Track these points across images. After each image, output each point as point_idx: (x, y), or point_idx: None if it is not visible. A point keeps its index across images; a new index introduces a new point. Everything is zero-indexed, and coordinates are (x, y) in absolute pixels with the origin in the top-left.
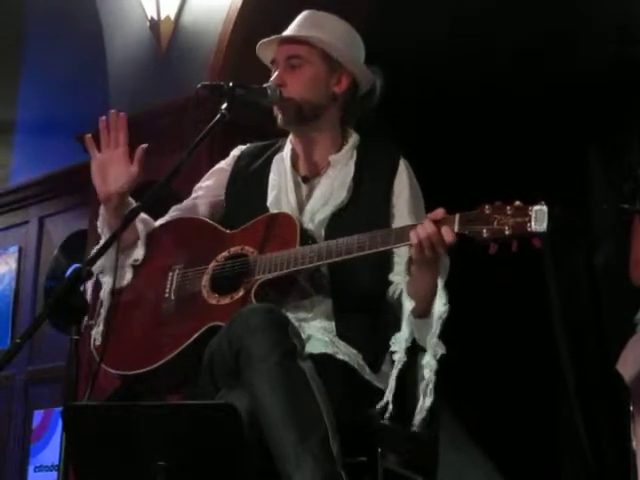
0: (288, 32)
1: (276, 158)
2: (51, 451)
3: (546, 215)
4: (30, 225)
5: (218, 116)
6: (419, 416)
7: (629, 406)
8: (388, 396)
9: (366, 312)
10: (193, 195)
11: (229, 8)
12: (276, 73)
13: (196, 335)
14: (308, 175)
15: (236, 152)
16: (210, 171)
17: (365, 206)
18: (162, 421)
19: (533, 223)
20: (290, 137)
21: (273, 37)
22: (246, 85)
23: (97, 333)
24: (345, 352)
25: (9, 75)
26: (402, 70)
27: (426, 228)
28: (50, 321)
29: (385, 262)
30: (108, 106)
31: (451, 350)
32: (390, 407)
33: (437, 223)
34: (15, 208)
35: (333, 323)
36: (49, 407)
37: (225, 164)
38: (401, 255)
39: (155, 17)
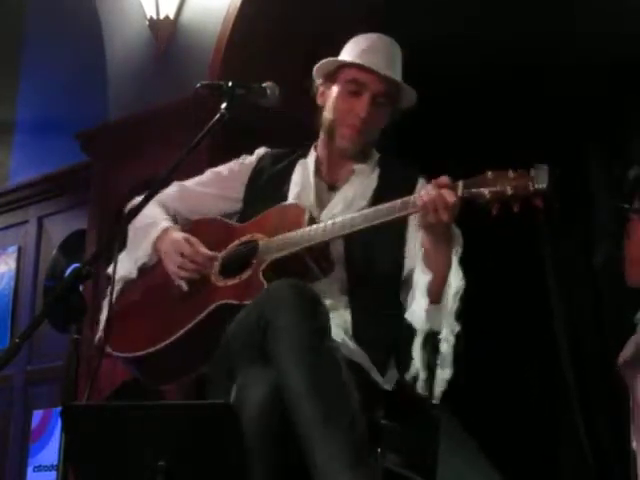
0: (378, 62)
1: (300, 162)
2: (50, 451)
3: (547, 172)
4: (29, 225)
5: (218, 115)
6: (439, 388)
7: (629, 406)
8: (417, 366)
9: (381, 305)
10: (206, 189)
11: (228, 7)
12: (364, 105)
13: (204, 313)
14: (332, 182)
15: (261, 151)
16: (230, 165)
17: None
18: (161, 421)
19: (535, 182)
20: (316, 145)
21: (367, 65)
22: (246, 85)
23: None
24: (357, 353)
25: (9, 75)
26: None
27: (429, 191)
28: (49, 321)
29: (399, 247)
30: (107, 106)
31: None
32: (422, 376)
33: (441, 188)
34: (14, 208)
35: (349, 315)
36: (48, 407)
37: (249, 160)
38: (412, 240)
39: (154, 17)
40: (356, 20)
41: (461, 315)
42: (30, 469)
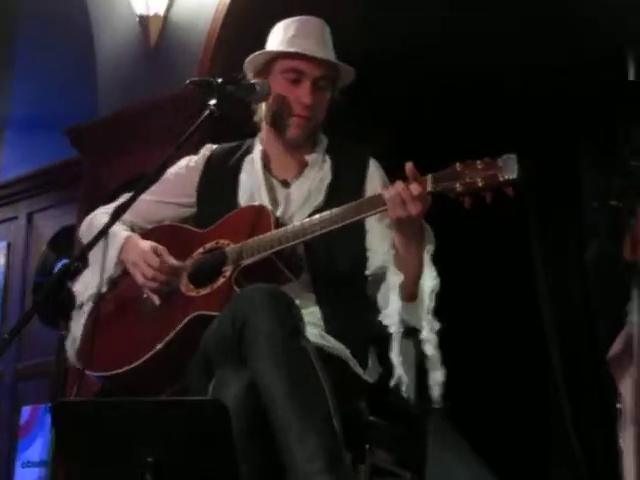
0: (311, 47)
1: (247, 159)
2: (39, 447)
3: (515, 162)
4: (19, 220)
5: (207, 112)
6: (436, 392)
7: (617, 404)
8: (399, 371)
9: (348, 298)
10: (156, 197)
11: (218, 4)
12: (306, 92)
13: (180, 326)
14: (284, 178)
15: (206, 151)
16: (175, 169)
17: None
18: (150, 417)
19: (504, 172)
20: (260, 138)
21: (303, 52)
22: (235, 81)
23: (74, 339)
24: (335, 346)
25: (0, 72)
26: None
27: (396, 186)
28: (39, 317)
29: (359, 242)
30: (97, 102)
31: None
32: (405, 380)
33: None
34: (4, 203)
35: (319, 311)
36: (37, 403)
37: (195, 162)
38: (374, 232)
39: (144, 13)
40: (343, 19)
41: (444, 312)
42: (18, 465)
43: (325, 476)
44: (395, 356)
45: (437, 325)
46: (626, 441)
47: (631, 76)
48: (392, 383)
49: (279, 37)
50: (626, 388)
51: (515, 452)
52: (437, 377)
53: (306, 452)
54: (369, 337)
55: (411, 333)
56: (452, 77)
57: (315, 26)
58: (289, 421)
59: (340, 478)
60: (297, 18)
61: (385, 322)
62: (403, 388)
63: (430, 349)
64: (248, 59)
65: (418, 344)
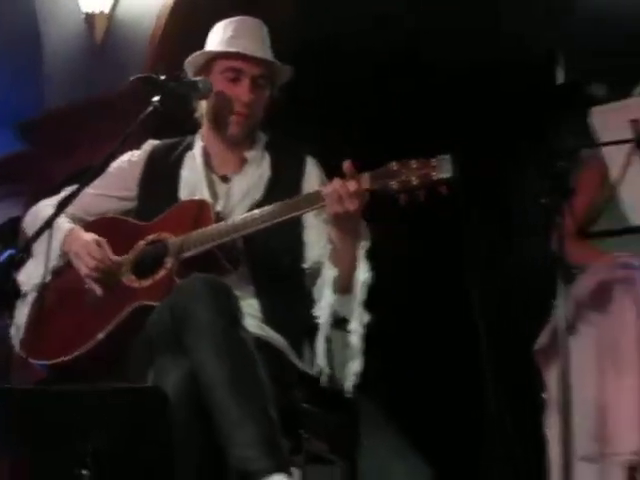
0: (249, 46)
1: (188, 155)
2: None
3: (449, 162)
4: None
5: (150, 108)
6: (349, 382)
7: (543, 394)
8: (321, 361)
9: (286, 290)
10: (98, 191)
11: (163, 2)
12: (245, 91)
13: (122, 316)
14: (224, 173)
15: (148, 147)
16: (117, 164)
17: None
18: (91, 405)
19: (437, 171)
20: (201, 135)
21: (242, 52)
22: (178, 78)
23: (18, 327)
24: (272, 336)
25: None
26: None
27: (334, 183)
28: None
29: (297, 237)
30: (45, 97)
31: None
32: (326, 370)
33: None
34: None
35: (257, 302)
36: None
37: (137, 157)
38: (311, 227)
39: (90, 11)
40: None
41: (380, 306)
42: None
43: (262, 462)
44: (320, 346)
45: (366, 317)
46: (551, 429)
47: (560, 80)
48: (314, 372)
49: (218, 37)
50: (551, 378)
51: (448, 442)
52: (355, 367)
53: (244, 439)
54: (306, 328)
55: (344, 324)
56: (393, 75)
57: (253, 26)
58: (228, 409)
59: (277, 464)
60: (235, 18)
61: (316, 314)
62: (323, 378)
63: (355, 339)
64: (188, 59)
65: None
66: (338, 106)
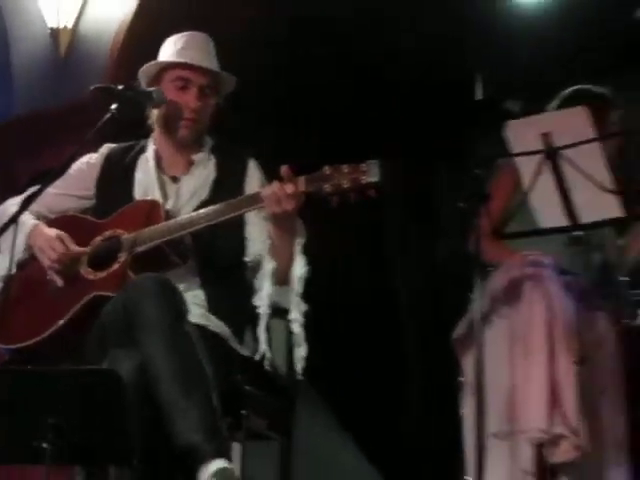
0: (197, 57)
1: (141, 158)
2: None
3: (377, 167)
4: None
5: (108, 115)
6: (299, 365)
7: (460, 378)
8: (263, 347)
9: (229, 281)
10: (60, 190)
11: (122, 19)
12: (193, 98)
13: (79, 305)
14: (174, 174)
15: (104, 150)
16: (77, 165)
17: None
18: (51, 384)
19: (366, 176)
20: (153, 139)
21: (189, 62)
22: (134, 88)
23: None
24: (216, 324)
25: None
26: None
27: (272, 186)
28: None
29: (240, 232)
30: (12, 106)
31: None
32: (268, 355)
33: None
34: None
35: (203, 293)
36: None
37: (95, 159)
38: (253, 224)
39: (55, 26)
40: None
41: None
42: None
43: (205, 445)
44: (261, 333)
45: (304, 307)
46: (466, 410)
47: (478, 96)
48: (257, 357)
49: (169, 50)
50: (467, 364)
51: (374, 420)
52: (300, 352)
53: (189, 425)
54: (247, 317)
55: (282, 314)
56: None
57: (201, 40)
58: (174, 398)
59: (218, 447)
60: (185, 33)
61: (257, 303)
62: (266, 362)
63: (296, 327)
64: (142, 69)
65: (288, 324)
66: (279, 111)
